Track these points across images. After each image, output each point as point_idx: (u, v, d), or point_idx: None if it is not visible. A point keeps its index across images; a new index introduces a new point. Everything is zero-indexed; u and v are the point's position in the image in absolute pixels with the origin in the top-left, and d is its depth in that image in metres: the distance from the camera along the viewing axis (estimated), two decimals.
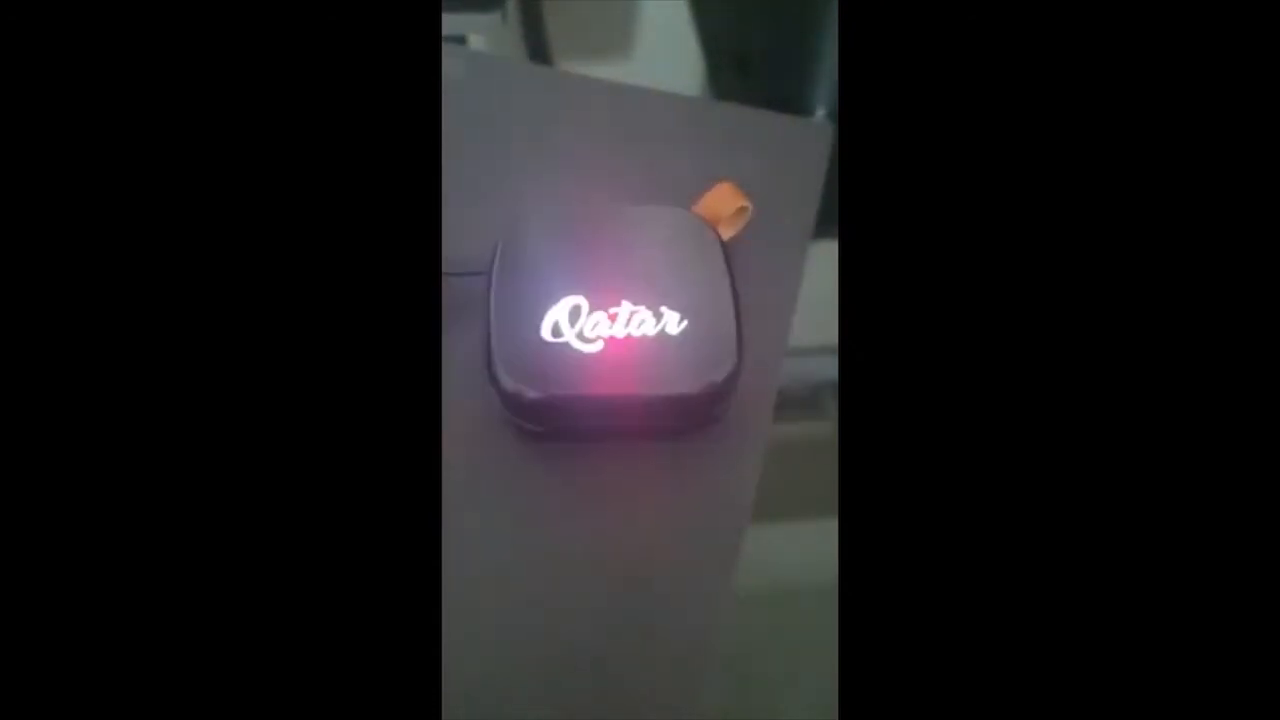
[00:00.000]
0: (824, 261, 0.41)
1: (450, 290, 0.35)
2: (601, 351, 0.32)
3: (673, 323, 0.32)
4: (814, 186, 0.41)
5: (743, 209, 0.37)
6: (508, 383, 0.32)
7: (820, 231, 0.40)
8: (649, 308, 0.33)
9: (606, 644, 0.31)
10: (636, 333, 0.32)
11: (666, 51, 0.58)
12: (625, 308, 0.32)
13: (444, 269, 0.35)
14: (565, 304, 0.32)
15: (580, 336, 0.32)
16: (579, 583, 0.32)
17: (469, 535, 0.32)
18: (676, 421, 0.34)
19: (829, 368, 0.47)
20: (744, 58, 0.56)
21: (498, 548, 0.32)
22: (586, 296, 0.33)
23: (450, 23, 0.54)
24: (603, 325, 0.32)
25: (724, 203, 0.36)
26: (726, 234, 0.36)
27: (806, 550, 0.44)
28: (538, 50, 0.53)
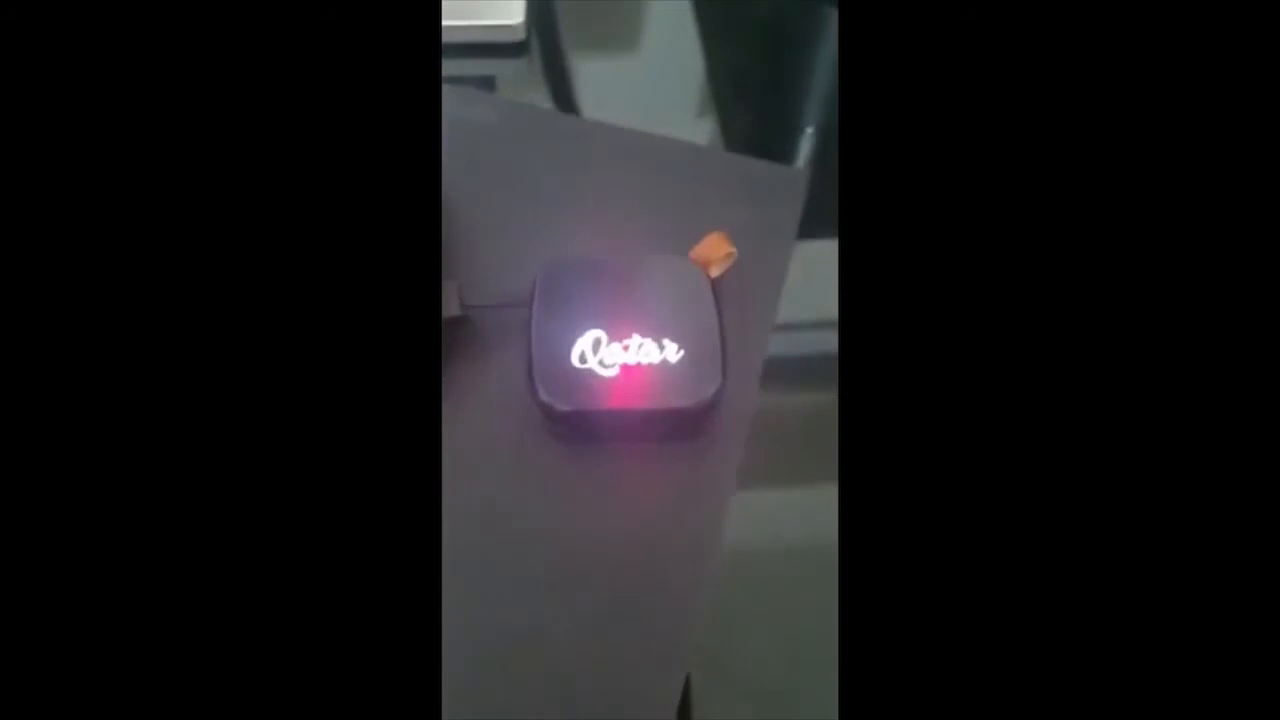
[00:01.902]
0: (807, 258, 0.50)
1: (497, 318, 0.44)
2: (617, 375, 0.41)
3: (672, 351, 0.41)
4: (789, 230, 0.50)
5: (729, 254, 0.46)
6: (545, 398, 0.41)
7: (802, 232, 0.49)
8: (654, 339, 0.42)
9: (608, 609, 0.41)
10: (644, 360, 0.41)
11: (672, 80, 0.66)
12: (635, 339, 0.41)
13: (489, 301, 0.44)
14: (589, 336, 0.42)
15: (601, 363, 0.41)
16: (589, 553, 0.41)
17: (504, 514, 0.41)
18: (675, 428, 0.43)
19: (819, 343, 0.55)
20: (742, 83, 0.63)
21: (527, 525, 0.42)
22: (606, 330, 0.42)
23: (478, 66, 0.63)
24: (618, 354, 0.41)
25: (714, 249, 0.45)
26: (715, 274, 0.45)
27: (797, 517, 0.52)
28: (560, 93, 0.62)
